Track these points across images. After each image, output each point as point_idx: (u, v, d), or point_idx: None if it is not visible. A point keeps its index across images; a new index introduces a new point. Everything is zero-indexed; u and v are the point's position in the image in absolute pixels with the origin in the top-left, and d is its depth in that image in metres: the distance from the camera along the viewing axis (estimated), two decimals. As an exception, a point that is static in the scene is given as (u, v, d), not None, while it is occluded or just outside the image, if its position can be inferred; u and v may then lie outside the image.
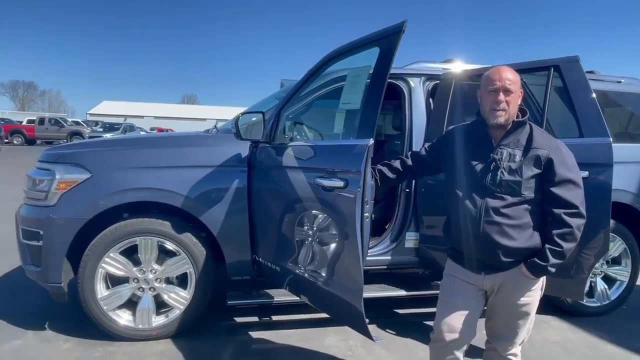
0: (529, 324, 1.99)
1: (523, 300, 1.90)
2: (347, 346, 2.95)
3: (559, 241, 1.78)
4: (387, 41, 2.13)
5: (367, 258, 3.16)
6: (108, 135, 19.05)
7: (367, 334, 2.23)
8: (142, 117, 56.49)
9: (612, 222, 3.37)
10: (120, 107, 61.78)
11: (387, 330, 3.21)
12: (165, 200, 2.78)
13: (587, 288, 3.44)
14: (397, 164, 2.30)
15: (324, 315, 2.85)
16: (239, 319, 3.30)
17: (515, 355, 2.03)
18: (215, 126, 3.48)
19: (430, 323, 3.26)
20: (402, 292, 3.20)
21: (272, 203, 2.74)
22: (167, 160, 2.84)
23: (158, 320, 2.90)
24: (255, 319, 3.32)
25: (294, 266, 2.61)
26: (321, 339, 3.02)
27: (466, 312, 1.94)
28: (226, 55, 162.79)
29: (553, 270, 1.81)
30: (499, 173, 1.83)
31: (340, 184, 2.17)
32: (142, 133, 24.18)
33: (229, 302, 2.94)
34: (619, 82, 3.85)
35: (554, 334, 3.24)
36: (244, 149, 2.87)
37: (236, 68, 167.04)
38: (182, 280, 2.94)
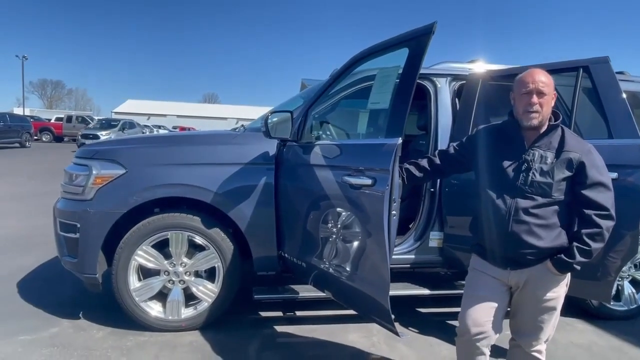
0: (554, 320, 2.01)
1: (548, 295, 1.94)
2: (370, 342, 2.99)
3: (588, 240, 1.82)
4: (416, 42, 2.17)
5: (392, 257, 3.21)
6: (103, 133, 19.06)
7: (393, 330, 2.27)
8: (165, 115, 57.60)
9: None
10: (144, 106, 63.04)
11: (410, 328, 3.24)
12: (196, 196, 2.87)
13: (614, 291, 3.39)
14: (424, 162, 2.33)
15: (347, 311, 2.90)
16: (264, 314, 3.37)
17: (540, 352, 2.04)
18: (242, 125, 3.56)
19: (454, 322, 3.30)
20: (426, 291, 3.22)
21: (298, 200, 2.80)
22: (198, 158, 2.93)
23: (187, 312, 3.00)
24: (279, 313, 3.39)
25: (320, 262, 2.66)
26: (344, 335, 3.07)
27: (491, 306, 1.98)
28: (247, 55, 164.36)
29: (578, 268, 1.85)
30: (530, 174, 1.87)
31: (368, 182, 2.21)
32: (146, 131, 23.92)
33: (255, 297, 3.02)
34: (650, 82, 3.77)
35: (579, 337, 3.21)
36: (271, 147, 2.94)
37: (256, 68, 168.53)
38: (210, 274, 3.03)
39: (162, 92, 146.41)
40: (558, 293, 1.96)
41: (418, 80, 3.29)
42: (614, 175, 2.60)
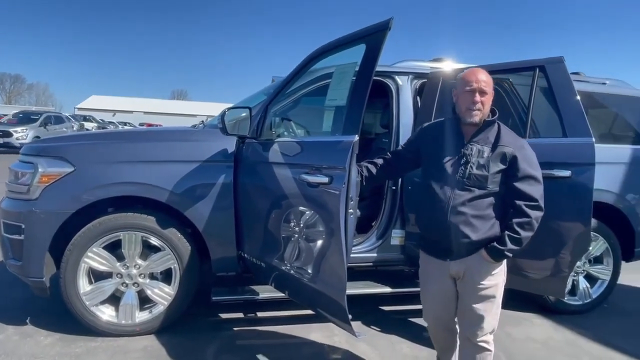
0: (495, 310, 2.09)
1: (486, 284, 2.04)
2: (331, 342, 2.95)
3: (518, 229, 1.96)
4: (373, 38, 2.14)
5: (353, 255, 3.19)
6: (18, 130, 15.97)
7: (350, 330, 2.24)
8: (131, 112, 55.99)
9: (595, 221, 3.43)
10: (109, 102, 61.11)
11: (372, 326, 3.23)
12: (150, 195, 2.76)
13: (569, 286, 3.49)
14: (380, 161, 2.40)
15: (308, 311, 2.86)
16: (223, 315, 3.29)
17: (487, 342, 2.11)
18: (202, 121, 3.46)
19: (415, 320, 3.33)
20: (388, 289, 3.22)
21: (258, 199, 2.74)
22: (153, 155, 2.82)
23: (141, 316, 2.88)
24: (240, 315, 3.32)
25: (279, 262, 2.61)
26: (306, 335, 3.03)
27: (443, 297, 2.15)
28: (217, 51, 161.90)
29: (510, 255, 1.99)
30: (468, 167, 1.98)
31: (325, 180, 2.17)
32: (76, 127, 19.78)
33: (213, 298, 2.93)
34: (604, 83, 3.90)
35: (536, 332, 3.28)
36: (230, 144, 2.86)
37: (228, 64, 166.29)
38: (166, 276, 2.92)
39: (130, 88, 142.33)
40: (496, 281, 2.06)
41: (380, 78, 3.33)
42: (567, 173, 2.67)
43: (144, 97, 70.61)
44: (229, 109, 2.69)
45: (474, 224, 1.97)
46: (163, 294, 2.88)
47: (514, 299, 3.64)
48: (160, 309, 2.89)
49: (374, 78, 3.30)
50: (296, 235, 2.47)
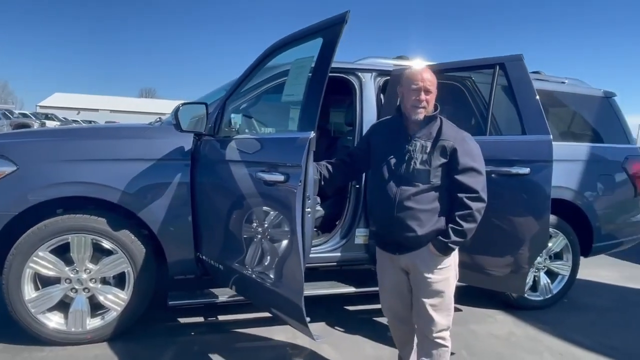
0: (447, 305, 2.12)
1: (435, 278, 2.07)
2: (294, 345, 2.88)
3: (460, 221, 1.99)
4: (329, 32, 2.07)
5: (317, 255, 3.13)
6: None
7: (308, 333, 2.18)
8: (97, 110, 54.22)
9: (554, 218, 3.49)
10: (74, 100, 58.93)
11: (336, 327, 3.17)
12: (101, 196, 2.61)
13: (530, 283, 3.54)
14: (337, 162, 2.40)
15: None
16: (182, 320, 3.17)
17: (443, 339, 2.14)
18: (159, 118, 3.32)
19: (380, 319, 3.29)
20: (352, 289, 3.17)
21: (215, 198, 2.64)
22: (103, 153, 2.67)
23: (93, 323, 2.73)
24: (200, 319, 3.20)
25: (238, 265, 2.52)
26: (269, 338, 2.95)
27: (397, 290, 2.22)
28: (187, 48, 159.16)
29: (455, 247, 2.05)
30: (412, 163, 2.02)
31: (281, 178, 2.10)
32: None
33: (169, 303, 2.80)
34: (563, 82, 3.98)
35: (498, 328, 3.31)
36: (187, 142, 2.74)
37: (198, 61, 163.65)
38: (119, 280, 2.78)
39: (96, 86, 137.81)
40: (445, 276, 2.09)
41: (343, 75, 3.28)
42: (527, 170, 2.69)
43: (110, 95, 68.52)
44: (183, 104, 2.57)
45: (420, 217, 2.00)
46: (116, 300, 2.74)
47: (478, 296, 3.68)
48: (113, 315, 2.75)
49: (338, 75, 3.30)
50: (254, 236, 2.39)
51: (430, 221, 2.02)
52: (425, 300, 2.09)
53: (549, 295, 3.69)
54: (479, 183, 2.01)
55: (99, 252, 2.72)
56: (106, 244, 2.67)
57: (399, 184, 2.03)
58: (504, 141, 2.91)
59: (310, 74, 2.14)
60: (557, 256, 3.73)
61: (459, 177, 1.99)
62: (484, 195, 2.02)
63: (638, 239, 4.10)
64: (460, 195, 2.00)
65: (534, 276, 3.61)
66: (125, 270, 2.73)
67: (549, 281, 3.71)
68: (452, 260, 2.12)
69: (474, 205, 1.98)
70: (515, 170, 2.68)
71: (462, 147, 2.01)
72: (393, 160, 2.07)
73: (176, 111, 2.50)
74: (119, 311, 2.75)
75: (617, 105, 4.07)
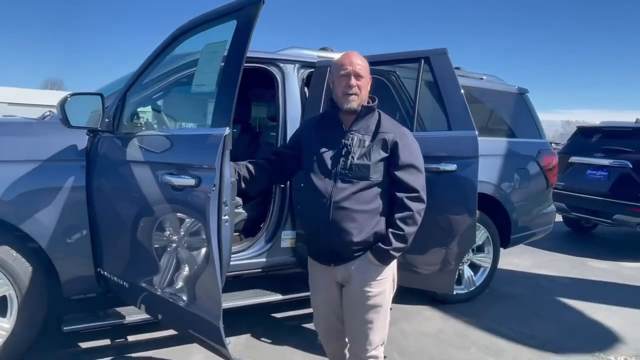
0: (382, 320, 1.92)
1: (373, 291, 1.86)
2: (215, 363, 2.61)
3: (401, 224, 1.81)
4: (245, 13, 1.82)
5: (241, 262, 2.88)
6: None
7: (227, 355, 1.92)
8: (-9, 103, 48.40)
9: (477, 212, 3.55)
10: (-38, 91, 52.09)
11: (263, 339, 2.95)
12: (-32, 205, 2.14)
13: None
14: (262, 162, 2.10)
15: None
16: (85, 344, 2.75)
17: (376, 357, 1.93)
18: (50, 111, 2.85)
19: (308, 325, 3.11)
20: (278, 297, 2.95)
21: (116, 206, 2.28)
22: (-29, 154, 2.20)
23: (-36, 360, 2.25)
24: (106, 341, 2.80)
25: (145, 282, 2.19)
26: (187, 358, 2.65)
27: (333, 305, 1.98)
28: (98, 35, 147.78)
29: (396, 254, 1.85)
30: (349, 158, 1.82)
31: (192, 182, 1.82)
32: None
33: (64, 329, 2.38)
34: (481, 78, 4.07)
35: (427, 325, 3.29)
36: (81, 140, 2.35)
37: (111, 50, 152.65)
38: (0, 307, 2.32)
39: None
40: (382, 288, 1.89)
41: (265, 66, 3.03)
42: (454, 167, 2.64)
43: (8, 85, 61.53)
44: (72, 94, 2.17)
45: (358, 219, 1.79)
46: (-5, 330, 2.28)
47: (405, 292, 3.64)
48: (-9, 348, 2.28)
49: (259, 66, 3.04)
50: (163, 250, 2.08)
51: (369, 224, 1.81)
52: (359, 317, 1.87)
53: (473, 288, 3.77)
54: (419, 181, 1.86)
55: (-30, 275, 2.24)
56: (-21, 264, 2.20)
57: (335, 182, 1.81)
58: (431, 137, 2.85)
59: (223, 62, 1.87)
60: (479, 249, 3.81)
61: (399, 174, 1.83)
62: (424, 195, 1.87)
63: (550, 229, 4.35)
64: (400, 195, 1.83)
65: (458, 270, 3.65)
66: (7, 294, 2.29)
67: (472, 274, 3.78)
68: (391, 271, 1.93)
69: (415, 206, 1.83)
70: (442, 167, 2.63)
71: (403, 141, 1.86)
72: (327, 156, 1.85)
73: (62, 103, 2.10)
74: (0, 343, 2.29)
75: (530, 101, 4.26)
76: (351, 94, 1.83)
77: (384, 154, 1.83)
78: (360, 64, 1.85)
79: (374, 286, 1.86)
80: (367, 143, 1.84)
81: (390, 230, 1.82)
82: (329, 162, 1.85)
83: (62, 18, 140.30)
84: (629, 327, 3.38)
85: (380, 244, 1.82)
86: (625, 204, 5.41)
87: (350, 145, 1.83)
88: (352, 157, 1.81)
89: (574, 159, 6.14)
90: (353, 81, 1.83)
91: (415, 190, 1.84)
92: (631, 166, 5.42)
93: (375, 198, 1.84)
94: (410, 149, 1.88)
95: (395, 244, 1.81)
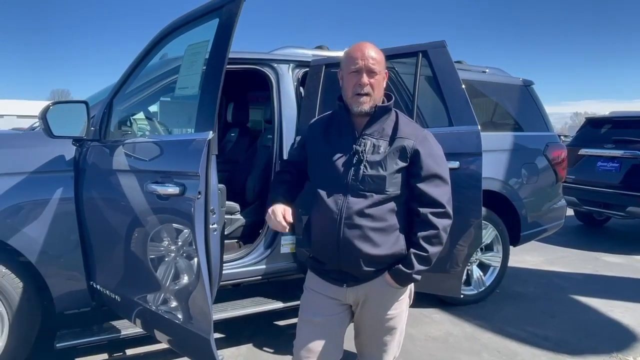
0: (398, 337, 1.78)
1: (390, 313, 1.69)
2: (215, 376, 2.52)
3: (425, 245, 1.59)
4: (226, 9, 1.73)
5: (239, 269, 2.80)
6: None
7: None
8: (1, 116, 49.00)
9: (483, 210, 3.40)
10: (-28, 106, 52.78)
11: (265, 349, 2.85)
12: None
13: (463, 278, 3.44)
14: (286, 176, 1.87)
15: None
16: (81, 360, 2.68)
17: None
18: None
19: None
20: (279, 304, 2.85)
21: (106, 217, 2.20)
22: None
23: (-44, 382, 2.19)
24: (103, 356, 2.73)
25: (138, 295, 2.11)
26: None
27: (329, 332, 1.70)
28: (102, 47, 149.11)
29: (419, 277, 1.62)
30: (361, 167, 1.58)
31: (176, 190, 1.73)
32: None
33: (57, 345, 2.30)
34: (484, 72, 3.95)
35: (435, 329, 3.17)
36: (69, 150, 2.28)
37: (113, 60, 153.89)
38: (-10, 324, 2.26)
39: (7, 90, 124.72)
40: (400, 309, 1.73)
41: (258, 67, 2.94)
42: (456, 164, 2.53)
43: (17, 98, 62.27)
44: (54, 103, 2.10)
45: (374, 239, 1.56)
46: (-15, 349, 2.22)
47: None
48: (-18, 368, 2.22)
49: (252, 67, 2.96)
50: (153, 261, 1.99)
51: (386, 243, 1.58)
52: (377, 337, 1.71)
53: (483, 288, 3.64)
54: (445, 194, 1.62)
55: (-41, 293, 2.18)
56: (-33, 282, 2.14)
57: (346, 195, 1.56)
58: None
59: (203, 67, 1.78)
60: (488, 248, 3.69)
61: (422, 186, 1.59)
62: (451, 209, 1.63)
63: (561, 224, 4.20)
64: (423, 210, 1.59)
65: (467, 270, 3.53)
66: (-3, 312, 2.22)
67: (481, 274, 3.66)
68: (408, 288, 1.73)
69: (441, 223, 1.59)
70: (445, 165, 2.51)
71: (425, 148, 1.62)
72: (337, 165, 1.60)
73: (44, 113, 2.02)
74: (-9, 362, 2.23)
75: (535, 93, 4.12)
76: (362, 95, 1.58)
77: (402, 164, 1.59)
78: (374, 58, 1.59)
79: (393, 308, 1.68)
80: (382, 149, 1.60)
81: (412, 250, 1.59)
82: (338, 172, 1.61)
83: (69, 25, 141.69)
84: (648, 325, 3.24)
85: (401, 266, 1.60)
86: (639, 196, 5.24)
87: (362, 152, 1.59)
88: (365, 167, 1.58)
89: (584, 151, 5.98)
90: (365, 79, 1.57)
91: (441, 205, 1.60)
92: (643, 156, 5.26)
93: (392, 213, 1.60)
94: (434, 157, 1.64)
95: (418, 266, 1.58)
